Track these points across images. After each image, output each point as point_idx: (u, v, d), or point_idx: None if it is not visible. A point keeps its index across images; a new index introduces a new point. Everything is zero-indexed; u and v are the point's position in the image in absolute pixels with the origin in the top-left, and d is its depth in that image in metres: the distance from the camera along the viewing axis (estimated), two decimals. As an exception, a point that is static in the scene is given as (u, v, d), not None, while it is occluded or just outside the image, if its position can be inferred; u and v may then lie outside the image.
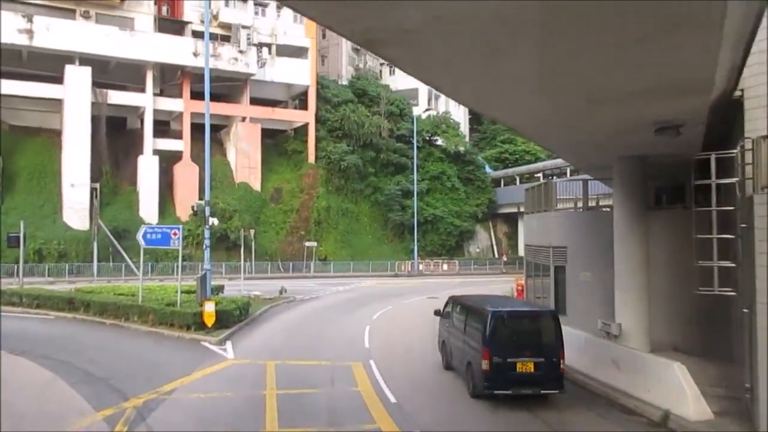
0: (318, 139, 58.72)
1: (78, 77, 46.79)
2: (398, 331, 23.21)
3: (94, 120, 48.63)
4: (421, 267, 54.54)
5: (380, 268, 52.87)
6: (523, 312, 14.84)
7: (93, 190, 44.21)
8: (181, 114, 52.55)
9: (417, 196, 56.24)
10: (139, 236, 23.81)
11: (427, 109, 62.69)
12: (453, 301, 16.78)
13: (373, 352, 18.96)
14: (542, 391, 12.96)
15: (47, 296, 25.64)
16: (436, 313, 17.95)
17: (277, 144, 60.19)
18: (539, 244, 22.81)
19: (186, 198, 50.70)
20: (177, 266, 29.87)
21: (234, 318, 22.77)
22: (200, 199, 53.66)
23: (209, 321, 21.13)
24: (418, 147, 64.36)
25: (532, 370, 12.76)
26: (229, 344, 20.06)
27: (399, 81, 77.63)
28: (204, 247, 24.59)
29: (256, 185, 54.80)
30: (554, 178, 61.02)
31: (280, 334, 22.15)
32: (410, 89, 75.78)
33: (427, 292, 37.30)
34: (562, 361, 12.92)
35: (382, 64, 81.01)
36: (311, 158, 57.85)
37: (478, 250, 63.19)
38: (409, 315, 27.66)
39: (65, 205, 46.04)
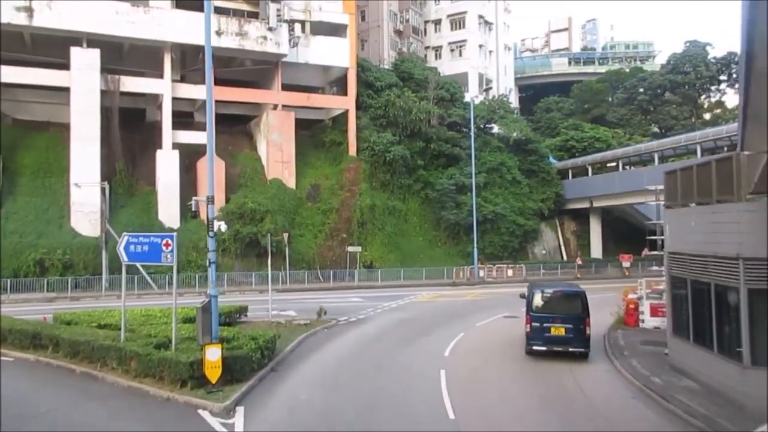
0: (359, 129, 51.72)
1: (85, 61, 40.81)
2: (488, 383, 15.88)
3: (107, 111, 42.68)
4: (481, 273, 46.97)
5: (434, 275, 45.49)
6: (557, 291, 19.30)
7: (102, 190, 37.96)
8: (204, 102, 46.13)
9: (474, 190, 48.62)
10: (120, 248, 17.18)
11: (487, 88, 54.84)
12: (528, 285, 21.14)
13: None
14: (570, 349, 17.80)
15: (9, 328, 19.08)
16: (522, 296, 20.78)
17: (313, 135, 53.46)
18: (701, 252, 15.09)
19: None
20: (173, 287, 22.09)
21: (252, 364, 15.80)
22: (228, 198, 47.42)
23: (213, 376, 14.19)
24: (474, 135, 56.81)
25: (563, 333, 17.76)
26: (240, 414, 13.17)
27: (446, 65, 70.42)
28: (208, 263, 17.49)
29: (291, 182, 48.11)
30: (630, 167, 52.63)
31: (318, 390, 15.05)
32: (459, 74, 68.56)
33: (501, 307, 29.96)
34: (587, 328, 17.74)
35: (427, 48, 73.89)
36: (352, 150, 50.89)
37: (543, 252, 55.23)
38: (493, 347, 20.38)
39: (73, 207, 40.09)
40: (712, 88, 75.89)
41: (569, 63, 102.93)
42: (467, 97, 62.19)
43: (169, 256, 16.35)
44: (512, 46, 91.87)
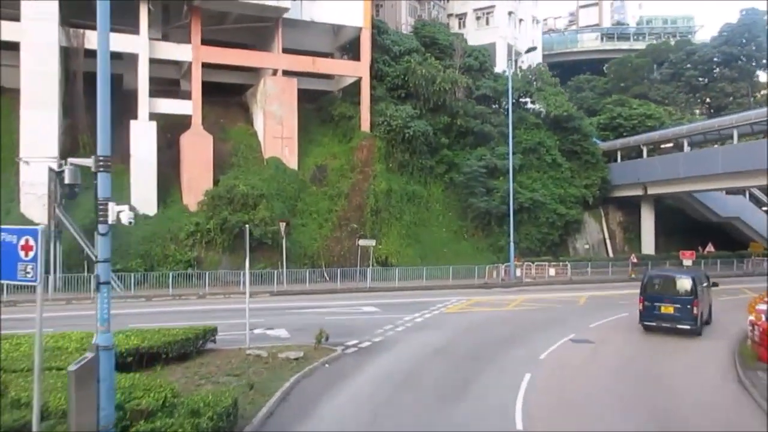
0: (374, 101, 44.09)
1: (39, 10, 33.36)
2: None
3: (70, 74, 35.37)
4: (518, 272, 39.29)
5: (462, 274, 37.83)
6: (667, 274, 21.96)
7: (52, 167, 30.41)
8: (190, 66, 38.68)
9: (512, 172, 40.80)
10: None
11: (530, 49, 46.85)
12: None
13: None
14: (678, 326, 19.83)
15: None
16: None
17: (319, 109, 45.91)
18: None
19: (196, 179, 37.07)
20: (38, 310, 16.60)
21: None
22: (216, 180, 40.02)
23: None
24: (506, 110, 48.96)
25: (671, 311, 19.91)
26: None
27: (471, 35, 62.14)
28: (97, 285, 9.72)
29: (292, 162, 40.58)
30: (689, 147, 44.60)
31: None
32: (485, 45, 60.44)
33: (558, 324, 22.79)
34: (695, 308, 19.51)
35: (449, 15, 65.85)
36: (365, 125, 43.25)
37: (587, 247, 47.47)
38: (588, 405, 12.70)
39: (22, 189, 32.86)
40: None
41: (601, 39, 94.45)
42: (497, 69, 54.37)
43: (29, 269, 8.79)
44: (540, 19, 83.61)
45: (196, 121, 38.12)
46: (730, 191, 49.75)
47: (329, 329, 19.09)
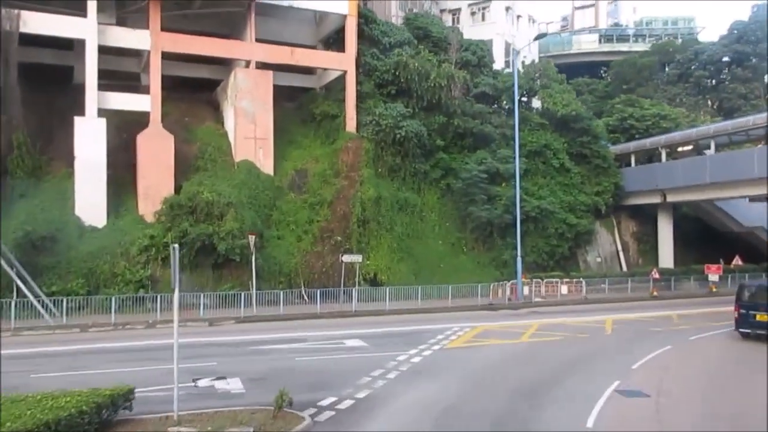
0: (361, 98, 39.21)
1: (-37, -16, 28.32)
2: None
3: (1, 64, 30.22)
4: (525, 290, 34.35)
5: (462, 293, 32.78)
6: (762, 283, 22.74)
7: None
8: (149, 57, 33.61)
9: (519, 178, 35.92)
10: None
11: (539, 35, 42.04)
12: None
13: None
14: None
15: None
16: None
17: (299, 107, 40.97)
18: None
19: (154, 185, 31.94)
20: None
21: None
22: (178, 187, 34.87)
23: None
24: (508, 110, 44.34)
25: (765, 319, 20.69)
26: None
27: (465, 32, 57.38)
28: None
29: (267, 165, 35.54)
30: (709, 150, 39.97)
31: None
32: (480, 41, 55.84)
33: (591, 359, 18.17)
34: None
35: (442, 11, 61.32)
36: (351, 125, 38.32)
37: (598, 260, 42.65)
38: None
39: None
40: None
41: (600, 41, 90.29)
42: (495, 67, 49.77)
43: None
44: (536, 19, 79.37)
45: (155, 118, 33.01)
46: (753, 199, 45.21)
47: (300, 377, 14.12)
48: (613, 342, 22.06)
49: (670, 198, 40.14)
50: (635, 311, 30.65)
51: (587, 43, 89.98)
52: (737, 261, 40.18)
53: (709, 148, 41.14)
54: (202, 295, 26.93)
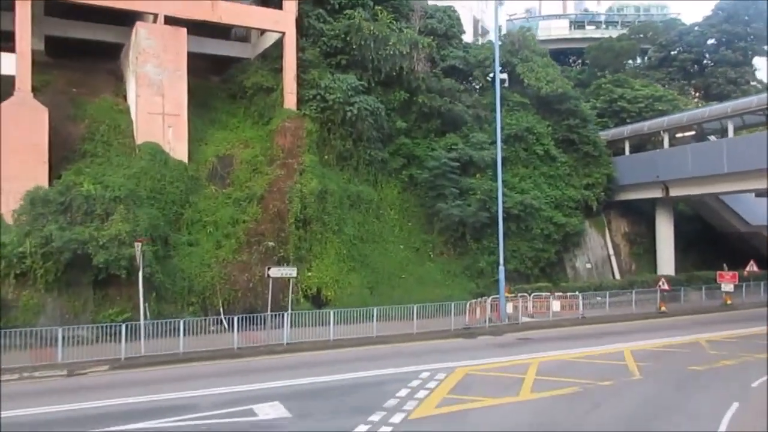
0: (304, 68, 31.52)
1: None
2: None
3: None
4: (509, 308, 27.16)
5: (431, 313, 25.30)
6: None
7: None
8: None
9: (501, 167, 28.72)
10: None
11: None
12: None
13: None
14: None
15: None
16: None
17: (226, 81, 33.05)
18: None
19: (17, 175, 23.52)
20: None
21: None
22: (56, 177, 26.34)
23: None
24: (482, 88, 37.38)
25: None
26: None
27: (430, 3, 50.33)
28: None
29: (179, 150, 27.48)
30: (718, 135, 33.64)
31: None
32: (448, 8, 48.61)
33: None
34: None
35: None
36: (290, 101, 30.61)
37: (588, 266, 35.96)
38: None
39: None
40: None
41: (570, 27, 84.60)
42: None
43: None
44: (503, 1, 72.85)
45: (23, 86, 24.65)
46: (760, 194, 39.37)
47: None
48: (652, 395, 15.08)
49: (675, 192, 33.67)
50: (650, 335, 23.90)
51: (557, 29, 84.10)
52: (752, 267, 34.04)
53: (716, 133, 34.88)
54: (60, 330, 18.76)
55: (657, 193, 34.64)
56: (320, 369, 18.08)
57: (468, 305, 25.35)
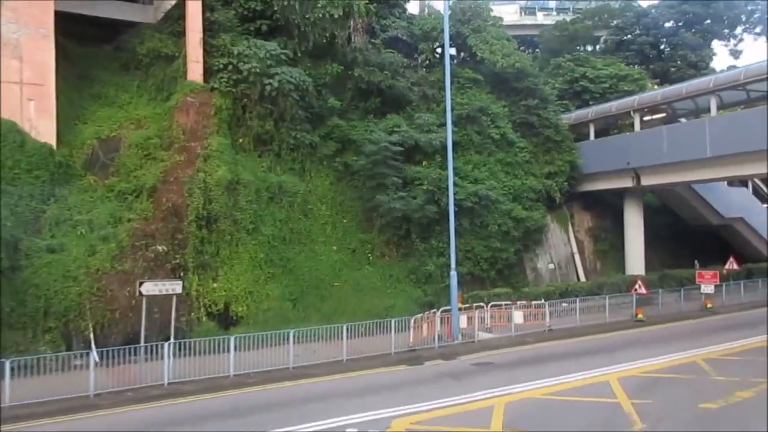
0: (213, 31, 25.85)
1: None
2: None
3: None
4: (462, 322, 22.23)
5: (368, 331, 20.03)
6: None
7: None
8: None
9: (451, 152, 23.69)
10: None
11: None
12: None
13: None
14: None
15: None
16: None
17: (119, 48, 27.02)
18: None
19: None
20: None
21: None
22: None
23: None
24: (428, 64, 32.70)
25: None
26: None
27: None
28: None
29: (44, 129, 21.39)
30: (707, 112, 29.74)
31: None
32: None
33: None
34: None
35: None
36: (195, 72, 24.95)
37: (551, 267, 31.55)
38: None
39: None
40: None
41: (521, 13, 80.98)
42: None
43: None
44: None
45: None
46: (734, 183, 35.98)
47: None
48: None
49: (647, 180, 29.55)
50: (634, 352, 19.41)
51: (507, 15, 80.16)
52: (732, 264, 30.35)
53: (690, 115, 31.01)
54: None
55: (627, 183, 30.50)
56: (204, 425, 12.74)
57: (413, 321, 20.29)
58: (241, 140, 25.22)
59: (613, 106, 31.99)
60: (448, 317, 21.63)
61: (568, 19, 67.84)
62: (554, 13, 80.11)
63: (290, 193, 25.33)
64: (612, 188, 31.75)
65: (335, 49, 28.97)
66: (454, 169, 27.75)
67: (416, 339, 20.29)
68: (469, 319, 22.27)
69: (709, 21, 52.26)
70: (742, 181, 37.04)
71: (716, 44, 57.09)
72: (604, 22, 59.00)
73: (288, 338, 17.86)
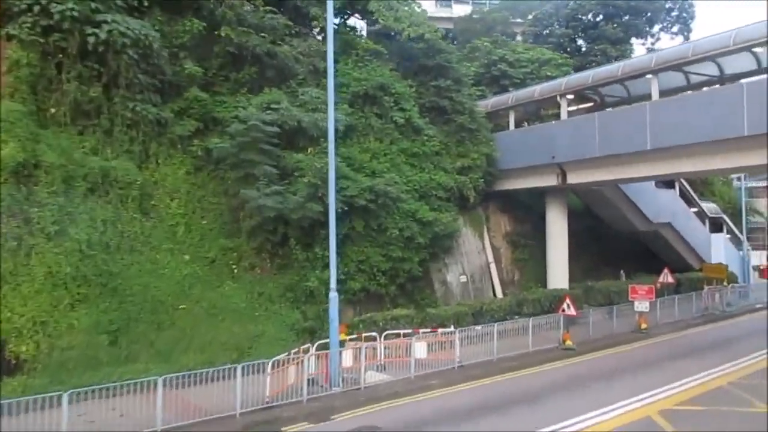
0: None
1: None
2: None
3: None
4: (347, 358, 16.56)
5: (201, 382, 14.00)
6: None
7: None
8: None
9: (333, 133, 17.87)
10: None
11: None
12: None
13: None
14: None
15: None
16: None
17: None
18: None
19: None
20: None
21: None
22: None
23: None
24: (321, 30, 27.00)
25: None
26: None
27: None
28: None
29: None
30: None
31: None
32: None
33: None
34: None
35: None
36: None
37: (463, 279, 26.49)
38: None
39: None
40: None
41: (436, 4, 76.91)
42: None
43: None
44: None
45: None
46: (659, 184, 32.51)
47: None
48: None
49: (574, 178, 25.08)
50: (572, 402, 14.47)
51: (423, 6, 76.00)
52: (667, 278, 26.50)
53: (621, 104, 26.88)
54: None
55: (550, 181, 25.95)
56: None
57: (270, 365, 14.36)
58: (53, 110, 18.49)
59: (537, 90, 27.35)
60: (325, 358, 15.88)
61: (485, 10, 64.18)
62: (470, 6, 76.67)
63: (122, 184, 18.83)
64: (534, 187, 27.13)
65: (199, 2, 22.69)
66: (348, 158, 22.32)
67: (277, 389, 14.40)
68: (356, 353, 16.63)
69: (627, 17, 49.49)
70: (668, 183, 33.74)
71: (634, 42, 54.84)
72: (522, 13, 55.59)
73: (63, 401, 11.50)
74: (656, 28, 54.82)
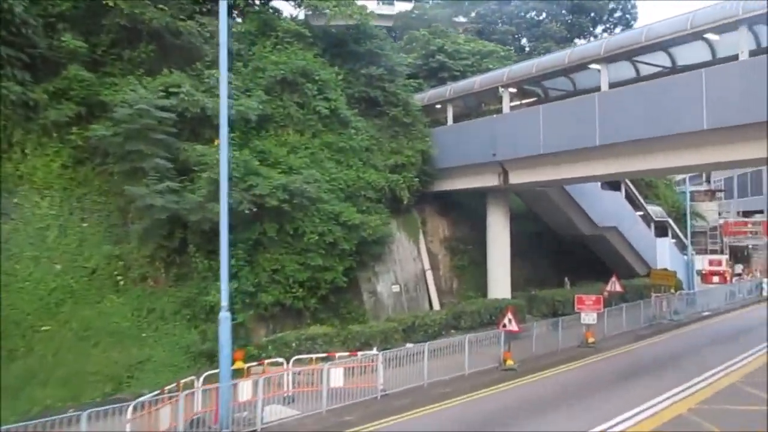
0: None
1: None
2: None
3: None
4: (245, 390, 13.57)
5: (58, 426, 10.86)
6: None
7: None
8: None
9: (226, 118, 14.84)
10: None
11: None
12: None
13: None
14: None
15: None
16: None
17: None
18: None
19: None
20: None
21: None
22: None
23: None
24: (241, 12, 24.01)
25: None
26: None
27: None
28: None
29: None
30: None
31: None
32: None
33: None
34: None
35: None
36: None
37: (396, 289, 23.81)
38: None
39: None
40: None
41: (378, 2, 74.62)
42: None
43: None
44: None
45: None
46: (604, 186, 30.82)
47: None
48: None
49: (517, 178, 22.81)
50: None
51: (363, 3, 73.56)
52: (615, 286, 24.59)
53: (569, 97, 24.82)
54: None
55: (492, 181, 23.60)
56: None
57: (141, 406, 11.25)
58: None
59: (477, 81, 24.97)
60: (214, 395, 12.84)
61: (427, 6, 62.18)
62: (412, 3, 74.74)
63: (-30, 179, 15.32)
64: (474, 187, 24.75)
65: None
66: (261, 152, 19.37)
67: (148, 437, 11.30)
68: (255, 386, 13.64)
69: (571, 16, 48.30)
70: (613, 184, 32.12)
71: (578, 42, 53.83)
72: (465, 10, 53.75)
73: None
74: (599, 28, 54.06)
